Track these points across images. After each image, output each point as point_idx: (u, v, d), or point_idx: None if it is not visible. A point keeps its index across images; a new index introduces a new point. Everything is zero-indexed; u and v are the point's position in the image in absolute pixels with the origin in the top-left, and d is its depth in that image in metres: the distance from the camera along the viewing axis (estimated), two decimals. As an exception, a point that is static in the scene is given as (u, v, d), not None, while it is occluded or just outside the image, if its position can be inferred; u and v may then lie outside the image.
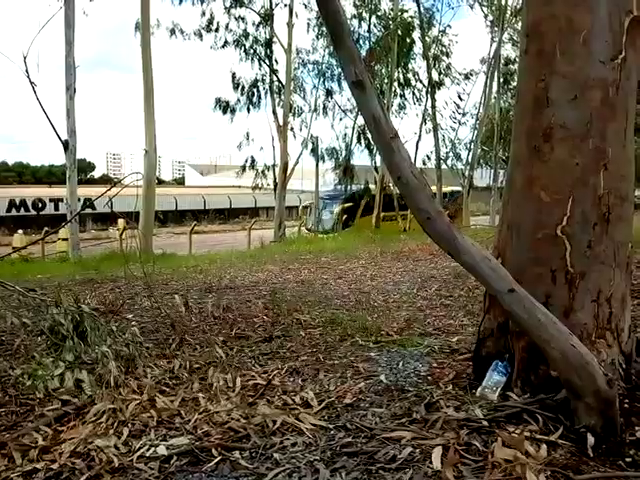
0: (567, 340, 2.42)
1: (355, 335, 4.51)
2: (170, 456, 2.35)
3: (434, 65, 24.49)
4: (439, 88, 25.31)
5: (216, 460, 2.28)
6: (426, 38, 23.68)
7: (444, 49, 25.47)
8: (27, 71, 13.27)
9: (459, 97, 26.01)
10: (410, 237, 15.96)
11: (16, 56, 12.83)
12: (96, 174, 70.15)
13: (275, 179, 21.53)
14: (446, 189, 30.56)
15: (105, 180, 59.22)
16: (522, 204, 2.95)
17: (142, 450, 2.40)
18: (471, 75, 26.17)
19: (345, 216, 27.32)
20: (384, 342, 4.23)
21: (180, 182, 65.93)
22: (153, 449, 2.40)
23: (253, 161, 22.63)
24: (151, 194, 15.11)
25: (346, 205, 27.94)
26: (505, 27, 24.04)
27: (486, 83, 25.06)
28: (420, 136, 24.71)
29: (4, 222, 30.67)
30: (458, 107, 25.93)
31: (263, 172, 22.42)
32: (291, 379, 3.42)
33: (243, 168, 23.08)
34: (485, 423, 2.51)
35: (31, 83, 13.37)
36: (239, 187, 38.55)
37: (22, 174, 58.06)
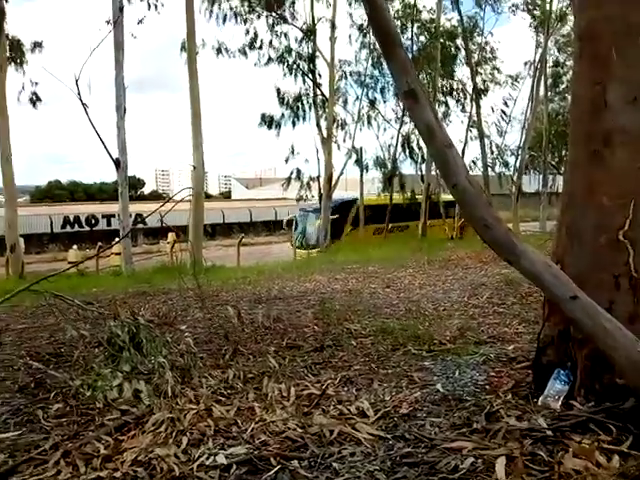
0: (634, 347, 2.33)
1: (407, 344, 4.46)
2: (229, 465, 2.36)
3: (478, 72, 24.22)
4: (484, 94, 24.99)
5: (275, 469, 2.28)
6: (469, 45, 23.48)
7: (488, 55, 25.18)
8: (79, 93, 13.78)
9: (505, 103, 25.58)
10: (457, 245, 15.77)
11: (67, 79, 13.33)
12: (146, 190, 71.90)
13: (320, 190, 21.61)
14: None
15: (155, 196, 60.61)
16: (582, 209, 2.87)
17: (202, 459, 2.42)
18: (516, 80, 25.72)
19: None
20: (437, 351, 4.17)
21: (227, 196, 66.91)
22: (212, 458, 2.42)
23: (298, 173, 22.79)
24: (200, 208, 15.40)
25: (332, 217, 24.09)
26: (551, 31, 23.59)
27: (532, 87, 24.60)
28: (466, 143, 24.43)
29: (59, 238, 31.77)
30: (504, 113, 25.50)
31: (308, 184, 22.52)
32: (345, 389, 3.40)
33: (289, 180, 23.27)
34: (549, 433, 2.42)
35: (83, 104, 13.81)
36: (284, 199, 38.86)
37: (75, 192, 59.97)
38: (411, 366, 3.83)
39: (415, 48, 23.41)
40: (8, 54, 16.60)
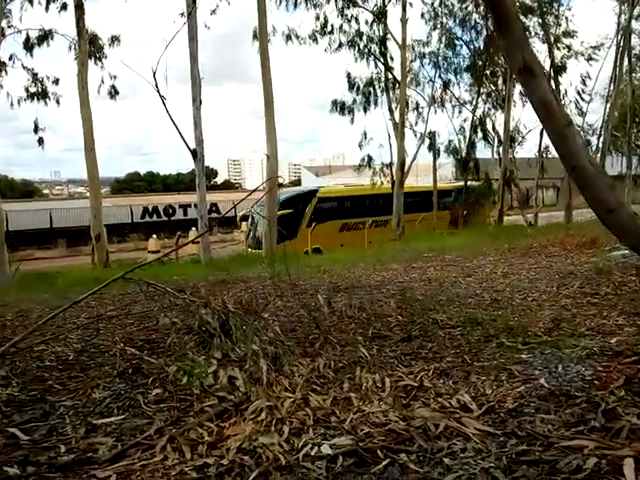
0: None
1: (499, 336, 4.31)
2: (335, 456, 2.33)
3: (556, 47, 23.15)
4: (563, 72, 23.84)
5: (384, 463, 2.23)
6: (546, 20, 22.46)
7: (566, 30, 23.97)
8: (157, 86, 14.16)
9: (582, 81, 24.26)
10: (538, 232, 15.19)
11: (144, 72, 13.68)
12: (219, 180, 73.66)
13: (392, 177, 21.39)
14: (446, 185, 27.00)
15: (227, 186, 61.93)
16: None
17: (306, 449, 2.40)
18: (596, 55, 24.31)
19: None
20: (534, 343, 3.99)
21: (296, 184, 67.51)
22: (317, 448, 2.40)
23: (370, 160, 22.61)
24: (273, 197, 15.57)
25: (279, 213, 21.06)
26: (637, 1, 22.20)
27: (615, 63, 23.26)
28: (545, 123, 23.39)
29: (139, 228, 33.11)
30: (583, 92, 24.21)
31: (382, 170, 22.30)
32: (441, 381, 3.31)
33: (359, 167, 23.15)
34: (676, 433, 2.26)
35: (161, 97, 14.20)
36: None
37: (152, 183, 62.20)
38: (508, 359, 3.68)
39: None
40: (88, 49, 17.30)
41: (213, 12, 16.53)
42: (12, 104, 18.30)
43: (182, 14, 15.00)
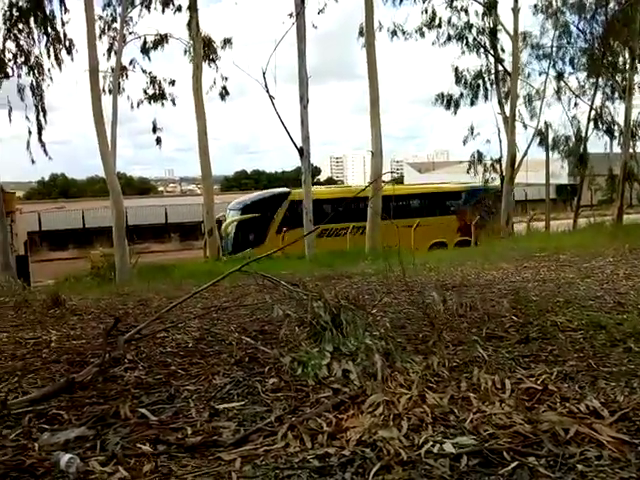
0: None
1: (626, 340, 4.05)
2: (459, 455, 2.28)
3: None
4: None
5: (513, 465, 2.16)
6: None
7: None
8: (266, 86, 14.56)
9: None
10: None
11: (253, 72, 14.10)
12: (321, 177, 74.89)
13: (502, 173, 20.63)
14: (455, 186, 23.69)
15: (330, 183, 62.75)
16: None
17: (427, 446, 2.37)
18: None
19: (241, 233, 19.80)
20: (667, 350, 3.71)
21: (399, 181, 67.06)
22: (439, 446, 2.36)
23: (480, 156, 21.86)
24: (378, 194, 15.54)
25: (244, 217, 20.31)
26: None
27: None
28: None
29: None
30: None
31: (492, 165, 21.50)
32: (566, 385, 3.15)
33: (470, 163, 22.49)
34: None
35: (270, 97, 14.62)
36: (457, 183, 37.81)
37: (258, 180, 64.36)
38: (638, 365, 3.45)
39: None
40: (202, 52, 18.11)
41: (321, 11, 16.72)
42: (132, 106, 19.53)
43: (291, 15, 15.32)
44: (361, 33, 18.18)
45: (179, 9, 18.18)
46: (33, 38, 16.01)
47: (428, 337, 4.39)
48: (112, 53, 18.40)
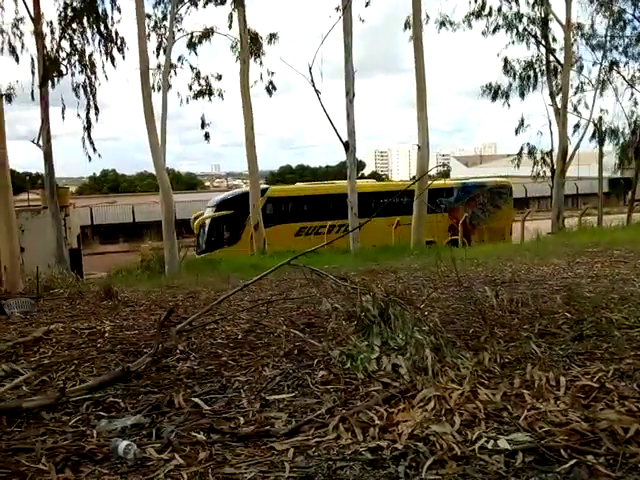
0: None
1: (687, 339, 3.90)
2: (514, 451, 2.25)
3: None
4: None
5: (570, 463, 2.11)
6: None
7: None
8: (312, 80, 14.58)
9: None
10: None
11: (299, 67, 14.11)
12: (366, 172, 74.82)
13: (553, 166, 20.08)
14: (440, 182, 21.93)
15: (374, 177, 62.65)
16: None
17: (481, 441, 2.34)
18: None
19: (214, 231, 19.17)
20: None
21: (445, 175, 66.27)
22: (493, 442, 2.33)
23: (532, 149, 21.22)
24: (423, 187, 15.39)
25: (217, 214, 19.49)
26: None
27: None
28: None
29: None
30: None
31: (543, 159, 20.92)
32: (622, 383, 3.06)
33: (518, 156, 21.92)
34: None
35: (316, 91, 14.63)
36: (505, 177, 37.07)
37: (303, 175, 64.78)
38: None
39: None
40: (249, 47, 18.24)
41: (367, 4, 16.57)
42: (181, 102, 19.85)
43: (337, 8, 15.26)
44: (407, 25, 17.98)
45: (223, 2, 18.34)
46: (86, 37, 16.50)
47: (479, 333, 4.34)
48: (161, 50, 18.76)
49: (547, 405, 2.69)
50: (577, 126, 21.24)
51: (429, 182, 15.43)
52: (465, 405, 2.77)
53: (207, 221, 20.39)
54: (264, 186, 21.87)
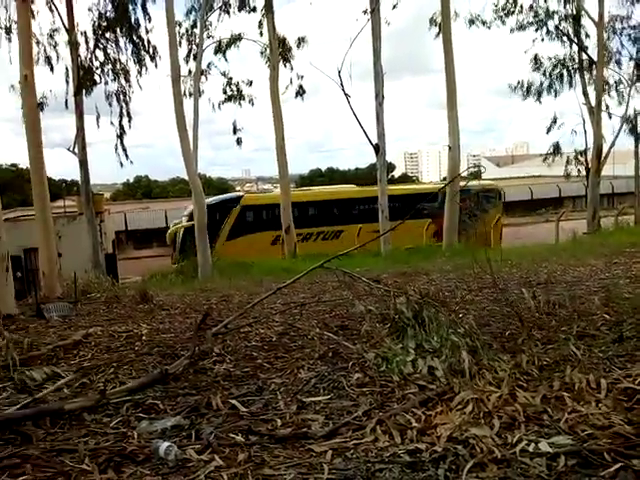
0: None
1: None
2: (556, 454, 2.22)
3: None
4: None
5: (615, 467, 2.07)
6: None
7: None
8: (342, 84, 14.62)
9: None
10: None
11: (328, 71, 14.15)
12: (396, 174, 74.62)
13: (587, 165, 19.66)
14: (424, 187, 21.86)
15: (404, 179, 62.42)
16: None
17: (521, 444, 2.32)
18: None
19: (188, 239, 17.68)
20: None
21: (475, 176, 65.52)
22: (534, 445, 2.30)
23: (558, 149, 20.77)
24: (454, 189, 15.23)
25: (187, 224, 18.33)
26: None
27: None
28: None
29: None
30: None
31: (576, 158, 20.45)
32: (666, 386, 2.98)
33: (551, 156, 21.45)
34: None
35: (345, 94, 14.68)
36: (538, 177, 36.55)
37: (332, 178, 64.86)
38: None
39: None
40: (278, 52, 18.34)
41: (394, 7, 16.51)
42: (213, 107, 20.02)
43: (365, 11, 15.25)
44: (433, 22, 17.76)
45: (254, 9, 18.49)
46: (119, 46, 16.82)
47: (515, 335, 4.29)
48: (191, 57, 18.98)
49: (588, 408, 2.65)
50: (612, 124, 20.78)
51: (461, 183, 15.10)
52: (504, 408, 2.74)
53: (180, 231, 20.11)
54: (238, 194, 21.95)
